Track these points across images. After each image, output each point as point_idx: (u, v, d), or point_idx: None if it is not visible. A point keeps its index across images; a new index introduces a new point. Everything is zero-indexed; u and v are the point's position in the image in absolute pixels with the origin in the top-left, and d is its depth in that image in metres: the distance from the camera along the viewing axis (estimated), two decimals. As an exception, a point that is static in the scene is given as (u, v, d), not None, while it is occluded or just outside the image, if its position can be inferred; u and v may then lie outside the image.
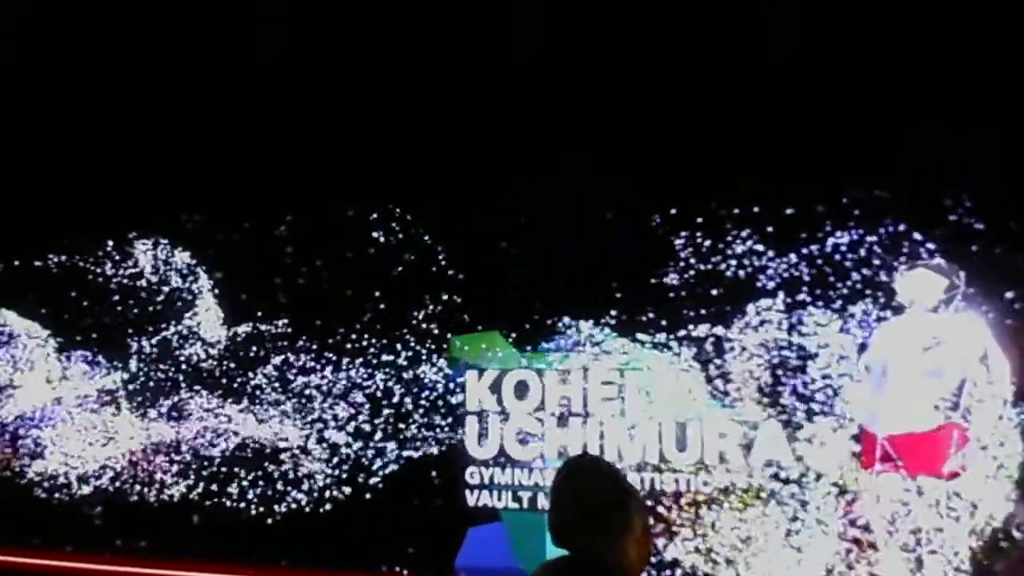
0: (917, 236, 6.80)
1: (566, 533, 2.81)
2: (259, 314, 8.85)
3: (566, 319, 7.41)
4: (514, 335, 7.26)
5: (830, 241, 7.15)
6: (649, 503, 6.68)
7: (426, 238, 8.32)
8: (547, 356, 7.09)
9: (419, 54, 8.80)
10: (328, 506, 8.26)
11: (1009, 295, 6.66)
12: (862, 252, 7.08)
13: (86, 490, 8.95)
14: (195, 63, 9.17)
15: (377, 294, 8.33)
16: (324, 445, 8.35)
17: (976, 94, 7.11)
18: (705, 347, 7.06)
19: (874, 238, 7.06)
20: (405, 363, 8.06)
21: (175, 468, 8.86)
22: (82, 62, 9.31)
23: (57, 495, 9.00)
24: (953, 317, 6.41)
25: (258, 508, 8.49)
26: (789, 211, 7.23)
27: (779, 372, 7.02)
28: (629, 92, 8.03)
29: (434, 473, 7.76)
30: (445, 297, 8.21)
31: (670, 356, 7.00)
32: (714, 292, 7.38)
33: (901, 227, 6.94)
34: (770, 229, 7.32)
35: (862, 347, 6.78)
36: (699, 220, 7.47)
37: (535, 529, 6.33)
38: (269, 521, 8.41)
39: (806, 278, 7.17)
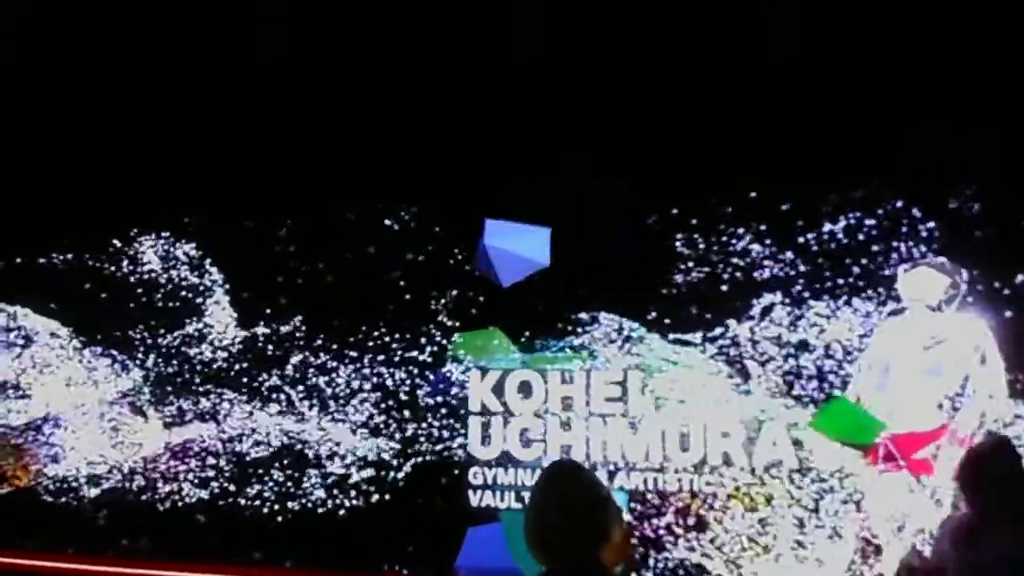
0: (920, 234, 6.80)
1: (548, 536, 2.77)
2: (267, 312, 8.84)
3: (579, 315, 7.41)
4: (527, 333, 7.25)
5: (831, 240, 7.14)
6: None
7: (437, 229, 8.24)
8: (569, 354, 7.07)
9: (419, 54, 8.78)
10: (330, 506, 8.27)
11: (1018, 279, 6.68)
12: (862, 250, 7.07)
13: (93, 492, 8.96)
14: (195, 63, 9.15)
15: (376, 294, 8.31)
16: (325, 445, 8.36)
17: (976, 94, 7.11)
18: (712, 345, 7.06)
19: (875, 236, 7.06)
20: (407, 361, 8.07)
21: (177, 468, 8.87)
22: (81, 62, 9.28)
23: (64, 498, 9.02)
24: (955, 316, 6.43)
25: (260, 508, 8.50)
26: (789, 211, 7.22)
27: (782, 370, 7.03)
28: (629, 92, 8.01)
29: (437, 473, 7.79)
30: (445, 298, 8.17)
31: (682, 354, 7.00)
32: (713, 291, 7.38)
33: (902, 226, 6.94)
34: (770, 228, 7.31)
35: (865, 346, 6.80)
36: (699, 219, 7.46)
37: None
38: (278, 520, 8.45)
39: (807, 276, 7.17)
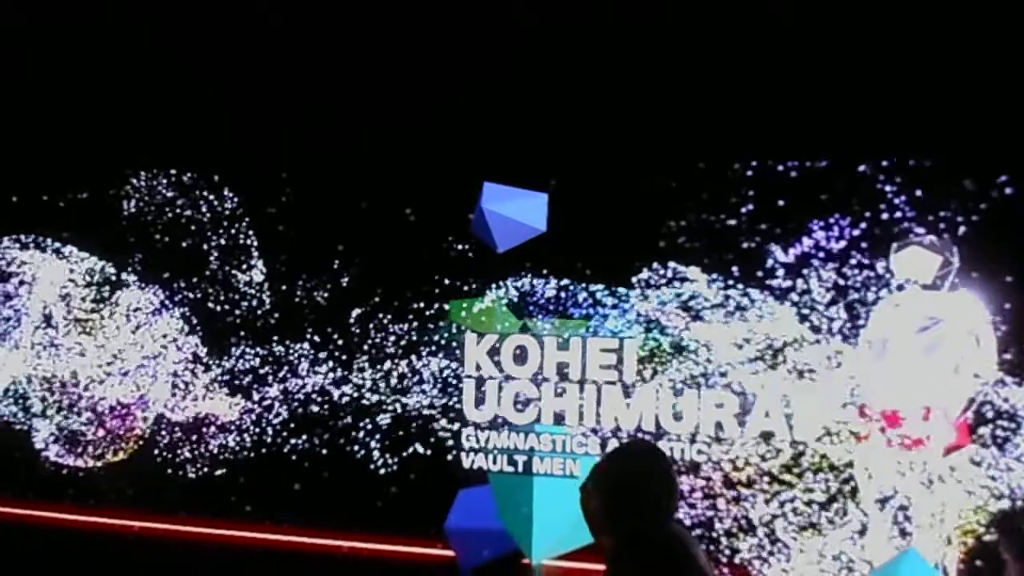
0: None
1: (665, 502, 3.12)
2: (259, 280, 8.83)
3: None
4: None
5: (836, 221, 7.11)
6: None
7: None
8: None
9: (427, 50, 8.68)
10: (320, 467, 8.28)
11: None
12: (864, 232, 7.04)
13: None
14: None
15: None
16: (318, 406, 8.36)
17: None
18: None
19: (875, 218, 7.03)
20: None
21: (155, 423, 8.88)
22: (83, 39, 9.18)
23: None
24: (951, 296, 6.49)
25: (254, 467, 8.52)
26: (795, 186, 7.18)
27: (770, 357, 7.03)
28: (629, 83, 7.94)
29: (428, 435, 7.82)
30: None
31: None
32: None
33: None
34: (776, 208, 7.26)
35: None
36: (699, 204, 7.42)
37: (521, 492, 6.35)
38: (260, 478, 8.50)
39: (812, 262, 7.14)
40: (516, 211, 6.07)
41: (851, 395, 6.74)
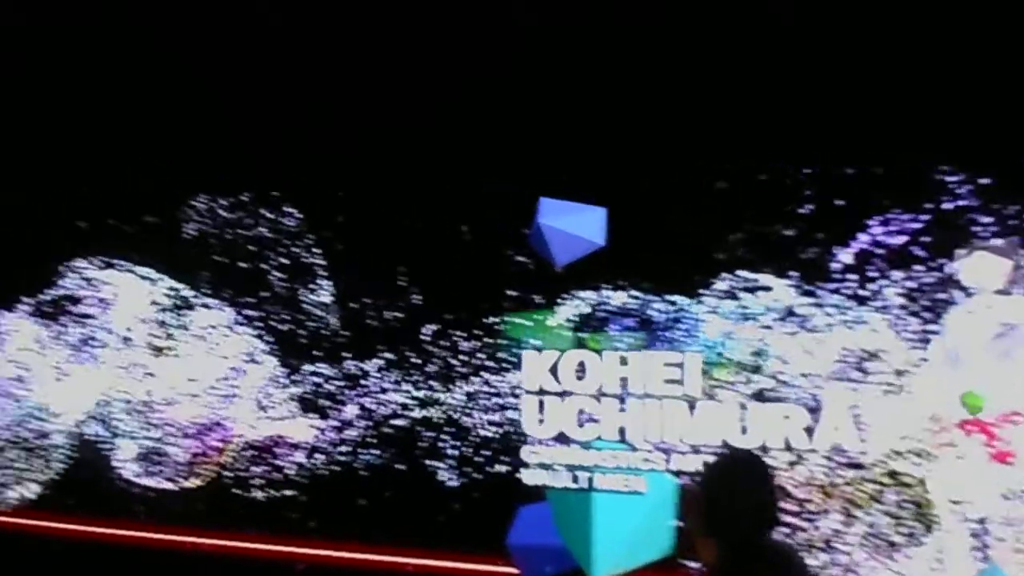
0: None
1: (770, 511, 3.07)
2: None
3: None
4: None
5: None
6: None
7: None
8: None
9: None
10: (384, 484, 8.30)
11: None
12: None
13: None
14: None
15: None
16: (379, 420, 8.39)
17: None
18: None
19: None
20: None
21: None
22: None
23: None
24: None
25: (318, 485, 8.57)
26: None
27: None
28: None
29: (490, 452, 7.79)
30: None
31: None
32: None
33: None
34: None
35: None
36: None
37: (580, 509, 6.26)
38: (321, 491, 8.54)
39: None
40: (574, 225, 5.99)
41: (930, 406, 6.55)
